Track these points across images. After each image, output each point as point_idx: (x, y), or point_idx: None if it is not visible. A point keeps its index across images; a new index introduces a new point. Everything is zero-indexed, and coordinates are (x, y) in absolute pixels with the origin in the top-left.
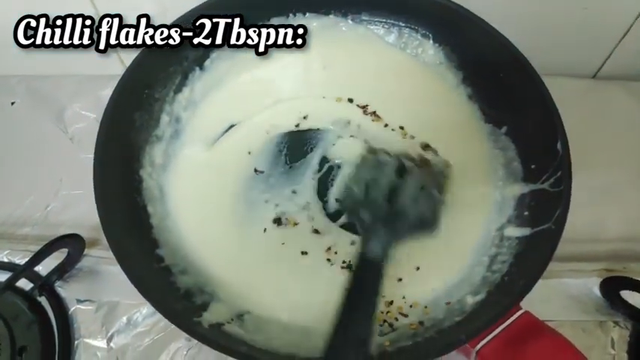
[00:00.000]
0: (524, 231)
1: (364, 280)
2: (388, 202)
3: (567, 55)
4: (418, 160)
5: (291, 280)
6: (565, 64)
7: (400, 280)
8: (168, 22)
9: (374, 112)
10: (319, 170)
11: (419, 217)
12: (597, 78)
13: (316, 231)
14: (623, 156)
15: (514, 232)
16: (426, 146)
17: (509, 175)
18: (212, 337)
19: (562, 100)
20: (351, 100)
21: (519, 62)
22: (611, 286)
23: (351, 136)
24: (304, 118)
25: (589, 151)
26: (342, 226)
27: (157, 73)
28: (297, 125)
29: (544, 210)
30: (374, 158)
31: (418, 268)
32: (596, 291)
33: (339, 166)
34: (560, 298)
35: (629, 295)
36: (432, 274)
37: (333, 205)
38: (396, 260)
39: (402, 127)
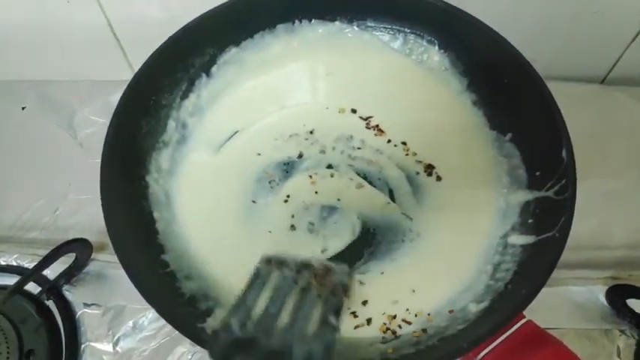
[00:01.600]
0: (529, 239)
1: None
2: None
3: (575, 61)
4: (320, 275)
5: None
6: (573, 70)
7: (414, 291)
8: (177, 28)
9: (377, 126)
10: None
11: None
12: (605, 84)
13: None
14: (630, 163)
15: (518, 239)
16: (428, 166)
17: (514, 182)
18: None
19: (569, 105)
20: (354, 111)
21: (524, 69)
22: (617, 294)
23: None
24: (310, 132)
25: (595, 158)
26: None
27: (164, 80)
28: (300, 156)
29: (548, 218)
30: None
31: (414, 290)
32: (602, 299)
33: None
34: (566, 305)
35: (635, 304)
36: (435, 287)
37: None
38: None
39: (404, 143)
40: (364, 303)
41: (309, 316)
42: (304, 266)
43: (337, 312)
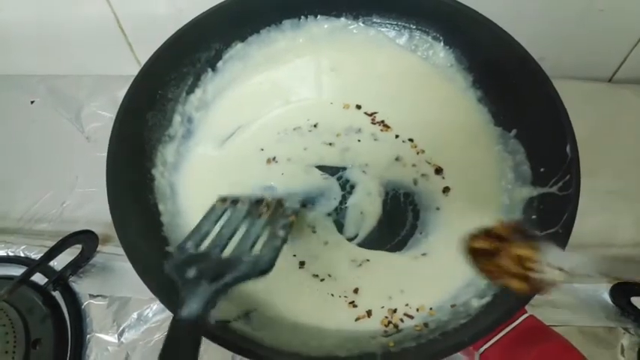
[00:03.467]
0: None
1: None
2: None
3: (582, 59)
4: (272, 205)
5: (299, 280)
6: (580, 68)
7: (402, 291)
8: (183, 23)
9: (382, 122)
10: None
11: (255, 263)
12: (613, 82)
13: (326, 242)
14: (636, 161)
15: None
16: (437, 170)
17: (518, 178)
18: (219, 334)
19: (576, 103)
20: (359, 107)
21: (529, 65)
22: (622, 293)
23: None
24: (314, 126)
25: (601, 156)
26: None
27: (170, 74)
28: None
29: (552, 214)
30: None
31: (414, 285)
32: (606, 297)
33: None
34: (570, 303)
35: (639, 302)
36: (437, 282)
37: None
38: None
39: (411, 140)
40: (355, 291)
41: (258, 233)
42: (257, 202)
43: (285, 227)
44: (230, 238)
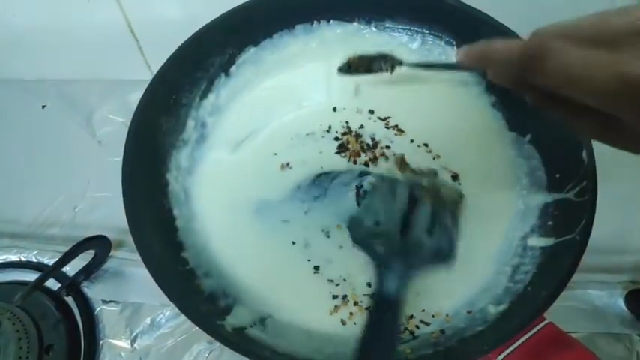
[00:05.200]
0: (548, 241)
1: (382, 320)
2: (401, 234)
3: None
4: (430, 188)
5: (313, 286)
6: None
7: (418, 294)
8: (196, 29)
9: (396, 126)
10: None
11: (435, 249)
12: None
13: (341, 246)
14: None
15: (537, 241)
16: (454, 176)
17: (533, 184)
18: (235, 340)
19: None
20: (372, 112)
21: None
22: (636, 299)
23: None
24: (327, 131)
25: (615, 159)
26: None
27: (184, 79)
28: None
29: (568, 220)
30: (384, 186)
31: (431, 290)
32: (621, 303)
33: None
34: (584, 309)
35: None
36: (453, 288)
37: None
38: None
39: (426, 145)
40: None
41: (428, 219)
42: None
43: (453, 216)
44: (401, 216)
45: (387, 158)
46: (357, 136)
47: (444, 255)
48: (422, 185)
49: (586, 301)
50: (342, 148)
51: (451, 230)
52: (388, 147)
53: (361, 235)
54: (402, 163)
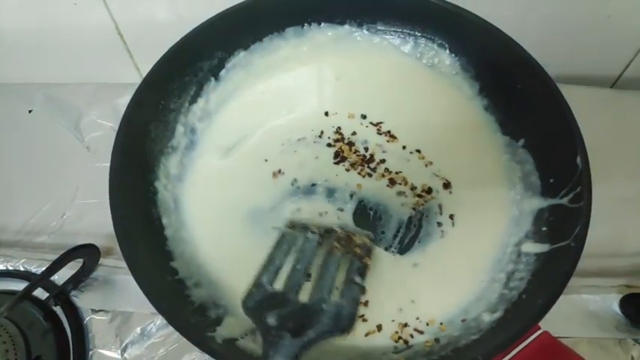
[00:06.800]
0: (543, 247)
1: None
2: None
3: (585, 64)
4: (343, 239)
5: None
6: (583, 73)
7: (413, 301)
8: (185, 32)
9: (388, 132)
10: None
11: (334, 315)
12: (615, 88)
13: None
14: None
15: (532, 248)
16: (446, 184)
17: (527, 189)
18: (225, 352)
19: (581, 110)
20: (364, 117)
21: (537, 73)
22: (631, 303)
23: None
24: (319, 136)
25: (608, 163)
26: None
27: (173, 84)
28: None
29: (563, 226)
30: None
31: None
32: (616, 308)
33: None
34: (579, 314)
35: None
36: (447, 295)
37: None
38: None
39: (419, 151)
40: (365, 304)
41: (334, 275)
42: (327, 232)
43: (361, 272)
44: (304, 274)
45: (382, 176)
46: (350, 143)
47: (342, 326)
48: (337, 235)
49: (580, 306)
50: (338, 157)
51: (355, 292)
52: (383, 160)
53: (255, 300)
54: (347, 239)
